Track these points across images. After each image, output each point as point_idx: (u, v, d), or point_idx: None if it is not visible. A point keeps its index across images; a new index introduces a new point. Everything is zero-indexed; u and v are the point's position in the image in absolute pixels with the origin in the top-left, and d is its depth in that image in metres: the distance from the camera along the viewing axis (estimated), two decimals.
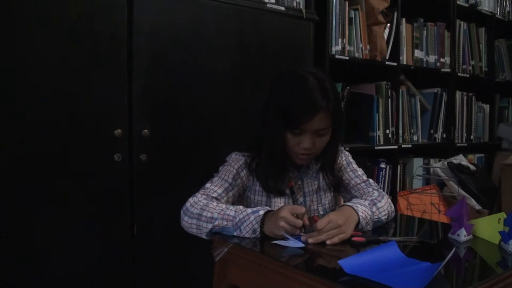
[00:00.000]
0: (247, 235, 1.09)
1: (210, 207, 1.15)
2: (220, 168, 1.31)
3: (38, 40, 1.40)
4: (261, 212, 1.10)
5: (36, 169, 1.41)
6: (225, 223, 1.11)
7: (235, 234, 1.10)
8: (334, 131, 1.26)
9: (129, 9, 1.53)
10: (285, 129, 1.21)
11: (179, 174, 1.66)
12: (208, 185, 1.26)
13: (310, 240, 1.05)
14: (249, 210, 1.12)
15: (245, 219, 1.10)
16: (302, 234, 1.09)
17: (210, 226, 1.12)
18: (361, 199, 1.29)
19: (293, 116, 1.18)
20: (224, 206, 1.16)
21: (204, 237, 1.15)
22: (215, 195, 1.22)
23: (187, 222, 1.16)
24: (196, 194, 1.22)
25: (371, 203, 1.24)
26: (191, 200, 1.20)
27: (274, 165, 1.27)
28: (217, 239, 1.12)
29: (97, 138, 1.50)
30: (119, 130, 1.52)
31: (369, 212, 1.19)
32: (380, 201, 1.27)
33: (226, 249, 1.07)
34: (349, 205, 1.18)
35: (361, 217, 1.15)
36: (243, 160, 1.31)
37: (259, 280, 1.02)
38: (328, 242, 1.06)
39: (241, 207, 1.15)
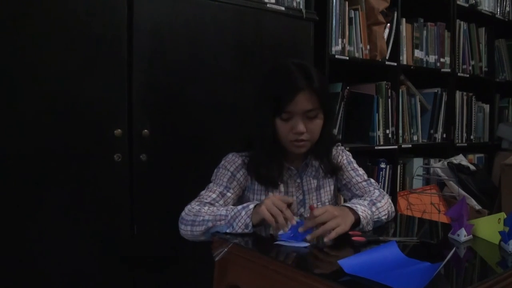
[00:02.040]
0: (239, 231, 1.10)
1: (202, 212, 1.17)
2: (215, 171, 1.32)
3: (38, 40, 1.40)
4: (251, 206, 1.11)
5: (36, 169, 1.41)
6: (218, 223, 1.13)
7: (227, 231, 1.12)
8: (326, 117, 1.28)
9: (129, 9, 1.53)
10: (273, 116, 1.24)
11: (179, 174, 1.66)
12: (203, 192, 1.28)
13: (308, 237, 1.07)
14: (239, 207, 1.13)
15: (237, 215, 1.11)
16: (286, 242, 1.08)
17: (203, 228, 1.14)
18: (360, 199, 1.29)
19: (278, 100, 1.21)
20: (215, 208, 1.18)
21: (200, 239, 1.17)
22: (208, 200, 1.24)
23: (183, 230, 1.19)
24: (191, 202, 1.25)
25: (371, 203, 1.24)
26: (186, 208, 1.22)
27: (266, 153, 1.28)
28: (217, 239, 1.12)
29: (97, 138, 1.50)
30: (119, 130, 1.52)
31: (369, 212, 1.20)
32: (380, 201, 1.27)
33: (226, 249, 1.07)
34: (347, 206, 1.19)
35: (361, 216, 1.15)
36: (240, 160, 1.31)
37: (259, 280, 1.02)
38: (325, 239, 1.06)
39: (231, 206, 1.17)
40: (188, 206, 1.22)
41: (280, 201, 1.10)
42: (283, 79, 1.23)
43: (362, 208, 1.18)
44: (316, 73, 1.24)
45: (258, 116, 1.28)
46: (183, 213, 1.21)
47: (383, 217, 1.25)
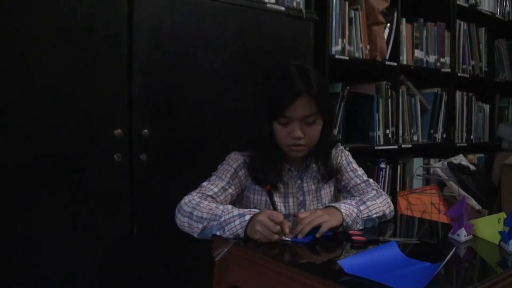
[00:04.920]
0: (229, 236, 1.09)
1: (201, 206, 1.15)
2: (219, 166, 1.32)
3: (38, 40, 1.40)
4: (247, 218, 1.09)
5: (36, 169, 1.41)
6: (212, 222, 1.11)
7: (218, 233, 1.10)
8: (325, 121, 1.27)
9: (129, 9, 1.53)
10: (271, 119, 1.23)
11: (179, 174, 1.66)
12: (205, 183, 1.26)
13: (299, 236, 1.08)
14: (235, 212, 1.11)
15: (230, 221, 1.09)
16: (289, 238, 1.09)
17: (200, 226, 1.12)
18: (350, 199, 1.30)
19: (276, 104, 1.21)
20: (214, 205, 1.15)
21: (196, 236, 1.15)
22: (210, 193, 1.23)
23: (180, 220, 1.17)
24: (192, 192, 1.23)
25: (360, 202, 1.24)
26: (186, 198, 1.20)
27: (264, 157, 1.28)
28: (217, 239, 1.12)
29: (97, 138, 1.50)
30: (119, 130, 1.52)
31: (355, 210, 1.19)
32: (373, 200, 1.27)
33: (226, 249, 1.07)
34: (331, 205, 1.20)
35: (344, 214, 1.16)
36: (242, 159, 1.31)
37: (259, 280, 1.02)
38: (317, 235, 1.08)
39: (229, 207, 1.14)
40: (189, 196, 1.20)
41: (271, 222, 1.06)
42: (282, 83, 1.22)
43: (345, 206, 1.18)
44: (316, 77, 1.23)
45: (256, 119, 1.28)
46: (182, 202, 1.19)
47: (375, 215, 1.24)
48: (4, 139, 1.37)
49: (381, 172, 2.43)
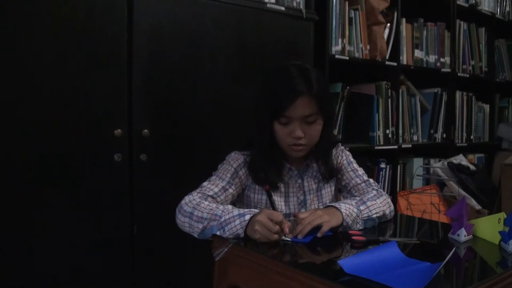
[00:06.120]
0: (229, 236, 1.09)
1: (201, 207, 1.15)
2: (219, 166, 1.32)
3: (38, 40, 1.40)
4: (247, 217, 1.08)
5: (36, 169, 1.41)
6: (212, 222, 1.11)
7: (218, 233, 1.10)
8: (325, 121, 1.27)
9: (129, 9, 1.53)
10: (272, 119, 1.24)
11: (179, 174, 1.66)
12: (205, 183, 1.26)
13: (299, 236, 1.08)
14: (235, 212, 1.11)
15: (230, 221, 1.09)
16: (289, 238, 1.09)
17: (200, 226, 1.12)
18: (350, 199, 1.30)
19: (277, 104, 1.21)
20: (214, 205, 1.15)
21: (196, 236, 1.15)
22: (211, 193, 1.23)
23: (180, 220, 1.17)
24: (192, 192, 1.23)
25: (360, 202, 1.24)
26: (186, 198, 1.20)
27: (265, 157, 1.28)
28: (217, 239, 1.12)
29: (97, 138, 1.50)
30: (119, 130, 1.52)
31: (355, 210, 1.19)
32: (373, 200, 1.27)
33: (226, 249, 1.07)
34: (331, 205, 1.20)
35: (344, 214, 1.16)
36: (243, 159, 1.31)
37: (259, 280, 1.02)
38: (318, 234, 1.08)
39: (229, 207, 1.14)
40: (190, 196, 1.20)
41: (270, 222, 1.06)
42: (282, 83, 1.22)
43: (346, 206, 1.18)
44: (316, 77, 1.23)
45: (257, 118, 1.28)
46: (182, 202, 1.19)
47: (375, 215, 1.24)
48: (4, 139, 1.37)
49: (381, 172, 2.43)
